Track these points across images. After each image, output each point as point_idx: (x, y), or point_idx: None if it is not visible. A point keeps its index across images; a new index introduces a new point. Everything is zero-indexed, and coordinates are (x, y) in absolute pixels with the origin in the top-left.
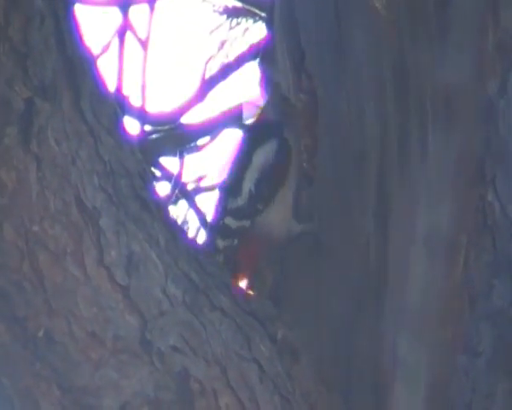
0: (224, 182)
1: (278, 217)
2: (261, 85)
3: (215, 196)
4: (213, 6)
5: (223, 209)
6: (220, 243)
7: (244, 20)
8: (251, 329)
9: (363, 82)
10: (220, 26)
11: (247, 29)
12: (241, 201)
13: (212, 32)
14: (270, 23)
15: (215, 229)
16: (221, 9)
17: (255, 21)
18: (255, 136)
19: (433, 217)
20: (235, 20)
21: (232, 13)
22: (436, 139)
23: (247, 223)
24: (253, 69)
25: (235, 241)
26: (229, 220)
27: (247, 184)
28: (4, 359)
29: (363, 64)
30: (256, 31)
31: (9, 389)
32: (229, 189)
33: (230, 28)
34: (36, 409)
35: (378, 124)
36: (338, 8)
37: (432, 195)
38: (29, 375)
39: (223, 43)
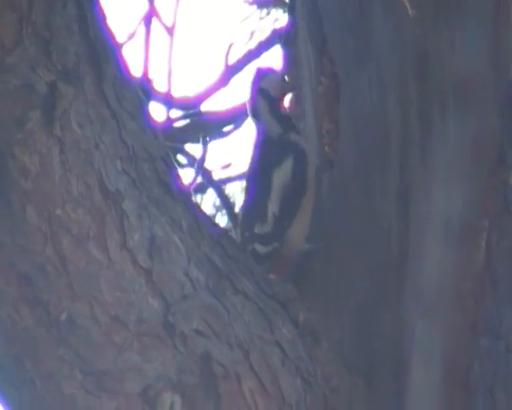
0: (247, 207)
1: (300, 230)
2: (283, 70)
3: (241, 218)
4: None
5: (251, 234)
6: None
7: (274, 10)
8: (273, 312)
9: (384, 66)
10: (250, 16)
11: (276, 19)
12: (267, 227)
13: (242, 21)
14: (292, 8)
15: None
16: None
17: (285, 11)
18: (271, 155)
19: (453, 200)
20: (264, 10)
21: (262, 3)
22: (456, 123)
23: (276, 245)
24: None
25: (268, 264)
26: (258, 247)
27: (271, 209)
28: (27, 342)
29: (384, 48)
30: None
31: (32, 373)
32: (255, 215)
33: (260, 18)
34: (58, 392)
35: (399, 107)
36: None
37: (452, 178)
38: (52, 358)
39: (252, 34)
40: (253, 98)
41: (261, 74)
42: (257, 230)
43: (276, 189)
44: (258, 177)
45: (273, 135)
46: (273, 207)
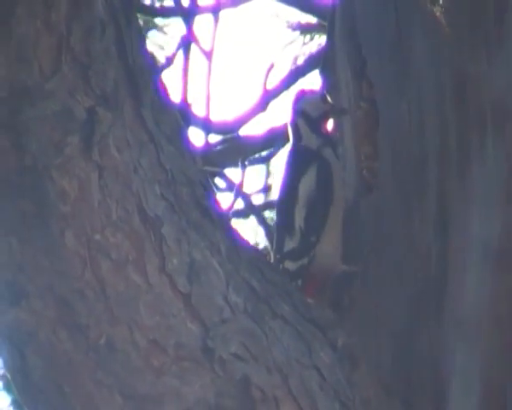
0: (278, 223)
1: (330, 246)
2: (321, 95)
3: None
4: (287, 22)
5: (280, 252)
6: None
7: (317, 35)
8: (311, 336)
9: (423, 90)
10: (293, 41)
11: (320, 44)
12: (295, 241)
13: (285, 47)
14: (330, 32)
15: None
16: (294, 25)
17: None
18: (297, 166)
19: (491, 224)
20: (308, 36)
21: (305, 28)
22: (495, 146)
23: (305, 260)
24: (315, 79)
25: (299, 281)
26: (288, 264)
27: (298, 222)
28: (66, 366)
29: (423, 72)
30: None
31: (71, 397)
32: (283, 230)
33: (304, 44)
34: None
35: (438, 131)
36: (398, 16)
37: (490, 202)
38: (91, 382)
39: (296, 59)
40: (292, 119)
41: (301, 96)
42: (286, 247)
43: (301, 198)
44: (285, 190)
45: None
46: (299, 219)
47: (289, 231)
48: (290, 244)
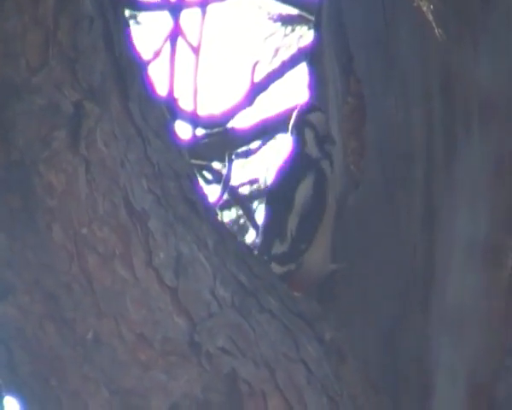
0: (266, 226)
1: (319, 252)
2: (309, 89)
3: (258, 237)
4: (268, 13)
5: (267, 254)
6: None
7: (298, 27)
8: (299, 330)
9: (409, 84)
10: (274, 33)
11: (301, 36)
12: (284, 246)
13: (266, 38)
14: (317, 26)
15: None
16: (275, 16)
17: (310, 28)
18: (293, 174)
19: (478, 219)
20: (289, 27)
21: (286, 20)
22: (481, 141)
23: (292, 266)
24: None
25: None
26: (274, 267)
27: (290, 228)
28: (53, 360)
29: (410, 66)
30: (310, 38)
31: (58, 390)
32: (273, 233)
33: (285, 35)
34: None
35: (424, 125)
36: (385, 11)
37: (477, 197)
38: (78, 376)
39: (277, 51)
40: (299, 127)
41: (311, 109)
42: (275, 249)
43: (296, 205)
44: (279, 195)
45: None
46: (292, 225)
47: (280, 234)
48: (279, 248)
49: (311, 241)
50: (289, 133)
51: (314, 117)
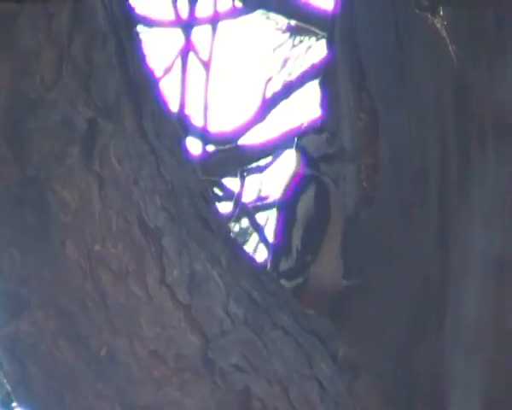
0: (275, 244)
1: (328, 266)
2: (322, 105)
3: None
4: (276, 24)
5: (276, 272)
6: None
7: (307, 38)
8: (312, 347)
9: (423, 101)
10: (283, 44)
11: (309, 47)
12: (291, 261)
13: (274, 49)
14: (330, 42)
15: None
16: (284, 28)
17: (318, 39)
18: (296, 188)
19: (492, 236)
20: (297, 38)
21: (295, 31)
22: (496, 158)
23: (300, 280)
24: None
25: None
26: (284, 283)
27: (295, 242)
28: (67, 377)
29: (423, 83)
30: (318, 49)
31: (72, 407)
32: (280, 250)
33: (293, 46)
34: None
35: (438, 143)
36: (398, 28)
37: (491, 214)
38: (92, 393)
39: (285, 61)
40: (294, 155)
41: (304, 133)
42: (282, 266)
43: (299, 218)
44: (282, 211)
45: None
46: (296, 239)
47: (286, 251)
48: (286, 264)
49: (316, 253)
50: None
51: (306, 141)
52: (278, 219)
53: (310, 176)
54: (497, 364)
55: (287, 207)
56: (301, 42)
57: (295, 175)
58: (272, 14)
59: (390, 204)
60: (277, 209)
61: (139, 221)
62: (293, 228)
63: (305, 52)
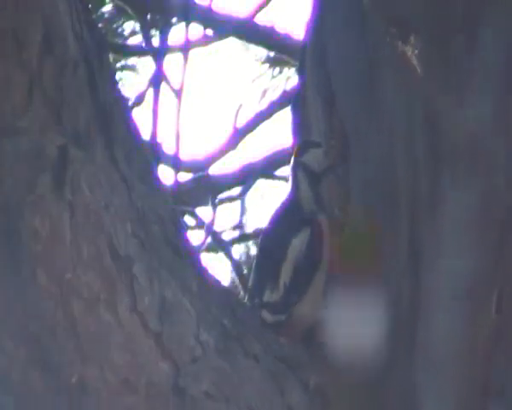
0: (258, 272)
1: (310, 306)
2: (293, 131)
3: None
4: (255, 55)
5: (258, 299)
6: None
7: (286, 68)
8: (283, 376)
9: (393, 126)
10: (262, 74)
11: (289, 77)
12: (276, 295)
13: (253, 80)
14: (301, 68)
15: None
16: (263, 58)
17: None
18: (290, 224)
19: (462, 261)
20: (277, 69)
21: (274, 61)
22: (465, 184)
23: (282, 317)
24: (285, 116)
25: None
26: (265, 314)
27: (283, 279)
28: (38, 405)
29: (393, 108)
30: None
31: None
32: (266, 282)
33: (272, 77)
34: None
35: (409, 167)
36: (369, 54)
37: (461, 239)
38: None
39: (265, 92)
40: (294, 169)
41: (305, 148)
42: (266, 297)
43: (290, 259)
44: (273, 243)
45: (305, 209)
46: (285, 276)
47: (272, 283)
48: (271, 296)
49: (302, 294)
50: (286, 178)
51: (308, 156)
52: (264, 249)
53: (306, 214)
54: (469, 391)
55: (277, 237)
56: (281, 72)
57: (288, 204)
58: (252, 45)
59: (360, 230)
60: (262, 239)
61: (110, 249)
62: (282, 264)
63: (285, 83)
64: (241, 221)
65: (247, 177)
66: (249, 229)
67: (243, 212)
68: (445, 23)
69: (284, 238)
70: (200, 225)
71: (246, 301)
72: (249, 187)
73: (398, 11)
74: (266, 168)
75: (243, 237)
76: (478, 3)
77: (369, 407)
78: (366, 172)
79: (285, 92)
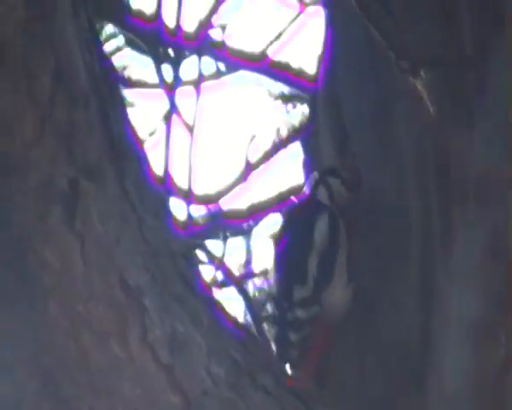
0: (284, 272)
1: (339, 290)
2: (304, 166)
3: (274, 287)
4: (268, 90)
5: (288, 301)
6: (293, 337)
7: (299, 104)
8: (293, 408)
9: (405, 161)
10: (275, 110)
11: (303, 113)
12: (308, 289)
13: (266, 116)
14: (313, 104)
15: (285, 323)
16: (276, 94)
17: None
18: (306, 217)
19: (472, 299)
20: (290, 105)
21: (287, 98)
22: (477, 221)
23: (317, 308)
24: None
25: (308, 331)
26: (299, 312)
27: (311, 270)
28: None
29: (405, 143)
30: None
31: None
32: (293, 278)
33: (286, 112)
34: None
35: (420, 204)
36: (380, 89)
37: (472, 274)
38: None
39: (278, 129)
40: (316, 184)
41: (331, 172)
42: (296, 295)
43: (316, 246)
44: (293, 239)
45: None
46: (312, 267)
47: (301, 279)
48: (301, 293)
49: (330, 281)
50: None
51: (333, 181)
52: (286, 245)
53: (320, 205)
54: None
55: (298, 235)
56: (294, 108)
57: (300, 202)
58: (265, 81)
59: (372, 264)
60: (281, 234)
61: (121, 282)
62: (308, 256)
63: (299, 119)
64: (249, 258)
65: (257, 211)
66: (256, 266)
67: (250, 249)
68: (455, 60)
69: (305, 232)
70: (211, 260)
71: (272, 311)
72: (258, 222)
73: (410, 47)
74: (276, 204)
75: (250, 275)
76: (487, 36)
77: None
78: (377, 208)
79: (297, 128)
